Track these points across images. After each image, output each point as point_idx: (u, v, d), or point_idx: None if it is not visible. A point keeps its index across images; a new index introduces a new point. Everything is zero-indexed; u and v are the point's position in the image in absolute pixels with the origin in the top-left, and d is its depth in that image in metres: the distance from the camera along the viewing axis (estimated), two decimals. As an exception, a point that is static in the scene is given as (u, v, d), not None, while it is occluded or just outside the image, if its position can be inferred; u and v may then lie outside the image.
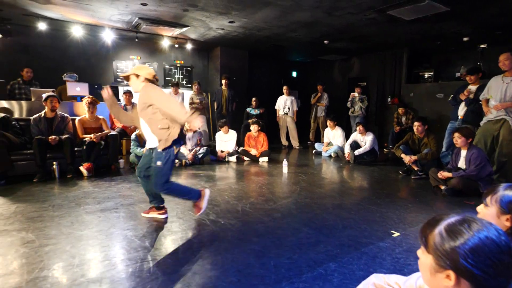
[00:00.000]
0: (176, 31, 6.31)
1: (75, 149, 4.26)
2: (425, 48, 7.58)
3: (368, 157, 5.54)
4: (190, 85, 8.01)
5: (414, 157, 4.48)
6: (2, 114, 4.19)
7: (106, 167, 4.61)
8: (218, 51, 7.98)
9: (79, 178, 4.10)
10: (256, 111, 7.05)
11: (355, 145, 5.62)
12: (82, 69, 6.49)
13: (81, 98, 5.49)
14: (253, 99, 7.15)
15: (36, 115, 4.25)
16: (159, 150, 2.45)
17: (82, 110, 4.84)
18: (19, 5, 4.90)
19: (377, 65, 8.30)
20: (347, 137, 6.22)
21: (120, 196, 3.41)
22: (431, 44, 7.05)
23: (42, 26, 5.61)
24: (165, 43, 7.06)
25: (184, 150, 5.20)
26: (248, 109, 7.14)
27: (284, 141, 7.58)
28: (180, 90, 6.89)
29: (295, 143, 7.42)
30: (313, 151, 6.59)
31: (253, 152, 5.61)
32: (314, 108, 7.98)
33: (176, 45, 7.52)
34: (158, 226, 2.61)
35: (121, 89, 6.54)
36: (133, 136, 4.73)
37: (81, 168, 4.18)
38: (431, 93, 7.04)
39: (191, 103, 6.80)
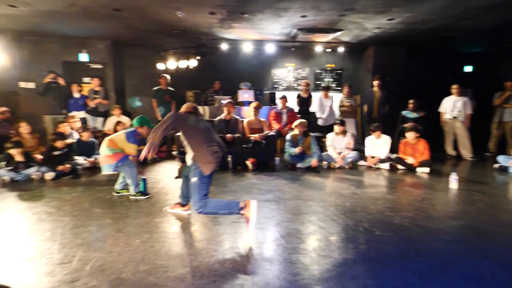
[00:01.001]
0: (330, 36, 6.45)
1: (243, 145, 5.15)
2: None
3: None
4: (339, 88, 8.01)
5: None
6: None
7: (265, 163, 5.32)
8: (371, 50, 7.59)
9: (245, 170, 4.93)
10: (414, 115, 6.26)
11: None
12: (249, 79, 7.69)
13: (248, 103, 6.53)
14: (410, 101, 6.37)
15: (219, 117, 5.41)
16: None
17: (248, 113, 5.76)
18: (211, 32, 6.36)
19: None
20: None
21: (279, 190, 3.88)
22: None
23: (224, 46, 7.08)
24: (318, 49, 7.35)
25: (333, 153, 5.29)
26: (404, 112, 6.43)
27: (450, 151, 6.36)
28: (330, 94, 7.01)
29: (466, 153, 6.10)
30: (495, 166, 5.22)
31: (410, 160, 5.03)
32: (499, 110, 6.28)
33: (328, 50, 7.69)
34: (312, 224, 2.82)
35: (277, 94, 7.32)
36: (288, 136, 5.23)
37: (247, 162, 5.02)
38: None
39: (341, 106, 6.81)
